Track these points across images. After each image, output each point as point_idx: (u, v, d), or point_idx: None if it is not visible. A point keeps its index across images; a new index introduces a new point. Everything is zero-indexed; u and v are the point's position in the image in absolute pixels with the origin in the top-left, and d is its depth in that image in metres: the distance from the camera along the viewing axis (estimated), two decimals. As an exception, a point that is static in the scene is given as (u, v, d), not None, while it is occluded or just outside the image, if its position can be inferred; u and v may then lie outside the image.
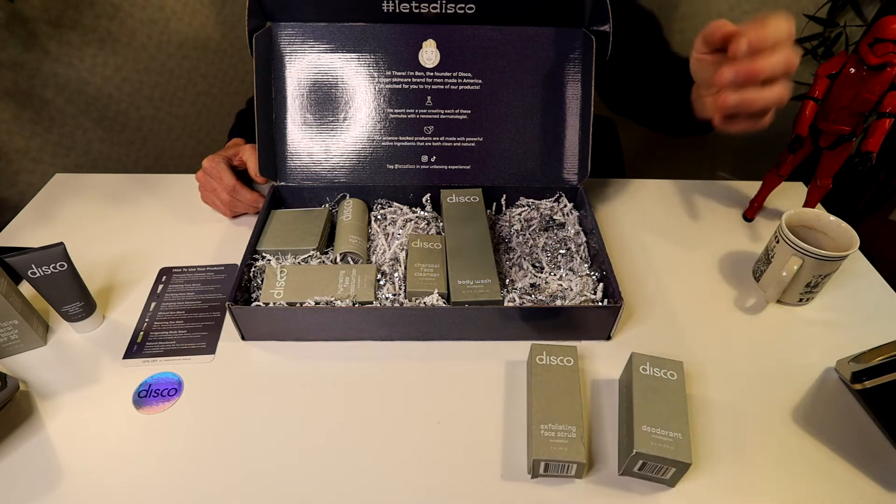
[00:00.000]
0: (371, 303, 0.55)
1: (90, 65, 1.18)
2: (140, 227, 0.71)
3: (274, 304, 0.54)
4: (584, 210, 0.66)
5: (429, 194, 0.68)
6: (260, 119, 0.64)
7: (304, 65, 0.65)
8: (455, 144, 0.67)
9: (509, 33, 0.64)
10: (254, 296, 0.57)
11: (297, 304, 0.54)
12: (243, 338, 0.56)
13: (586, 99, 0.65)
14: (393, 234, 0.65)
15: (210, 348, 0.56)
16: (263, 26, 0.63)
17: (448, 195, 0.66)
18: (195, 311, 0.60)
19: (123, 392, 0.52)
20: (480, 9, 0.62)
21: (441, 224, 0.66)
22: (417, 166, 0.67)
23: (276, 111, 0.66)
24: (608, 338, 0.57)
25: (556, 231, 0.66)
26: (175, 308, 0.60)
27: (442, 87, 0.65)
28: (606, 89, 0.81)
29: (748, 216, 0.73)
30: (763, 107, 0.47)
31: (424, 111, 0.66)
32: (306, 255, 0.61)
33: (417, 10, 0.62)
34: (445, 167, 0.68)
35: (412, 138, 0.67)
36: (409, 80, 0.65)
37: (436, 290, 0.56)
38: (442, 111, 0.66)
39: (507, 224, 0.67)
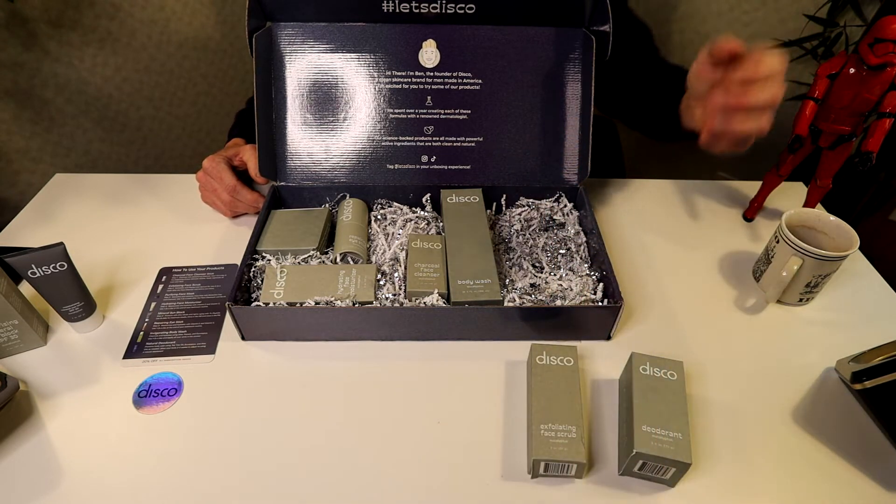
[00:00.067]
0: (371, 303, 0.55)
1: (90, 65, 1.19)
2: (140, 227, 0.71)
3: (274, 304, 0.54)
4: (584, 210, 0.66)
5: (429, 194, 0.68)
6: (260, 119, 0.64)
7: (304, 65, 0.65)
8: (455, 144, 0.67)
9: (509, 33, 0.64)
10: (254, 296, 0.57)
11: (297, 304, 0.54)
12: (243, 338, 0.56)
13: (586, 99, 0.65)
14: (393, 234, 0.65)
15: (210, 348, 0.56)
16: (263, 26, 0.63)
17: (448, 195, 0.66)
18: (195, 311, 0.60)
19: (123, 392, 0.52)
20: (480, 9, 0.62)
21: (441, 224, 0.66)
22: (417, 166, 0.67)
23: (276, 111, 0.66)
24: (608, 338, 0.57)
25: (556, 231, 0.66)
26: (175, 308, 0.60)
27: (442, 87, 0.65)
28: (597, 92, 0.82)
29: (748, 216, 0.73)
30: (744, 134, 0.52)
31: (424, 111, 0.66)
32: (306, 255, 0.61)
33: (417, 10, 0.62)
34: (445, 167, 0.68)
35: (412, 138, 0.67)
36: (409, 80, 0.65)
37: (436, 290, 0.56)
38: (442, 111, 0.66)
39: (507, 224, 0.67)
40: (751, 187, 0.77)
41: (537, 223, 0.67)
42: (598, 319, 0.55)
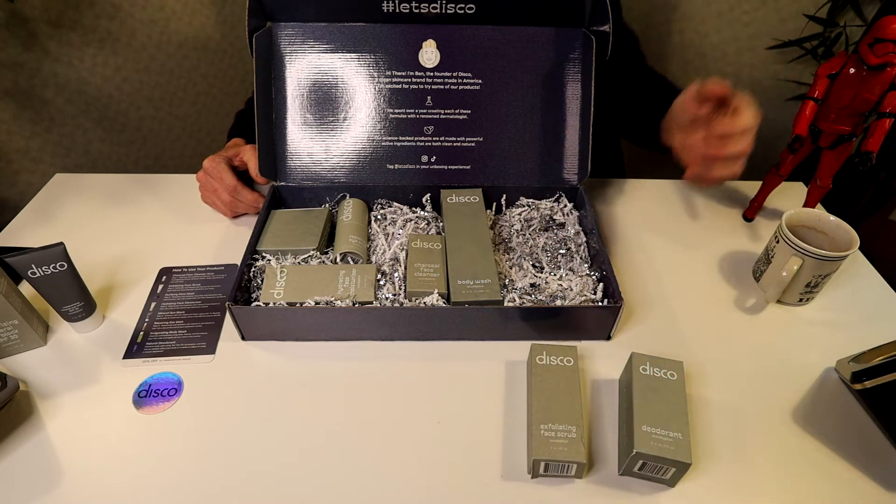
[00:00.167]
0: (371, 303, 0.55)
1: (90, 65, 1.18)
2: (140, 227, 0.71)
3: (274, 304, 0.54)
4: (584, 210, 0.66)
5: (429, 194, 0.68)
6: (260, 119, 0.64)
7: (304, 65, 0.65)
8: (455, 144, 0.67)
9: (509, 33, 0.64)
10: (254, 296, 0.57)
11: (297, 304, 0.54)
12: (243, 338, 0.56)
13: (586, 99, 0.65)
14: (393, 234, 0.65)
15: (210, 348, 0.56)
16: (263, 26, 0.63)
17: (448, 195, 0.66)
18: (195, 311, 0.60)
19: (123, 392, 0.52)
20: (480, 9, 0.62)
21: (441, 224, 0.66)
22: (417, 166, 0.67)
23: (276, 111, 0.66)
24: (608, 338, 0.57)
25: (556, 231, 0.66)
26: (175, 308, 0.60)
27: (442, 87, 0.65)
28: None
29: (748, 216, 0.73)
30: (719, 179, 0.60)
31: (424, 111, 0.66)
32: (306, 255, 0.61)
33: (417, 10, 0.62)
34: (445, 167, 0.68)
35: (412, 138, 0.67)
36: (409, 80, 0.65)
37: (436, 290, 0.56)
38: (442, 111, 0.66)
39: (507, 224, 0.67)
40: (751, 187, 0.77)
41: (537, 223, 0.67)
42: (598, 319, 0.55)
